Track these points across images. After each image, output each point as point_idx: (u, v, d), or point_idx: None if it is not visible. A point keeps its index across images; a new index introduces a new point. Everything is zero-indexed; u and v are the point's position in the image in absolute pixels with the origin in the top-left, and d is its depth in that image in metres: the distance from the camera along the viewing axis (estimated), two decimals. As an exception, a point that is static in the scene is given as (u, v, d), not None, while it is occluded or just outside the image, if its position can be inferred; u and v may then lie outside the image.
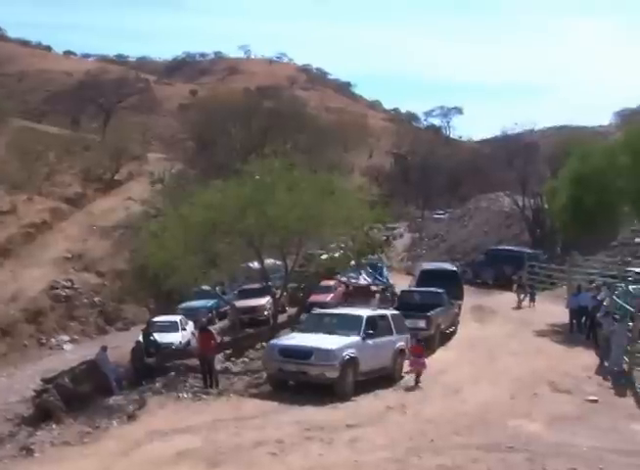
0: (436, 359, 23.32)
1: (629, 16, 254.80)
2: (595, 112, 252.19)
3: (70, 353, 33.81)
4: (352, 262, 29.58)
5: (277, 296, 28.03)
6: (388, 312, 22.51)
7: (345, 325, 20.01)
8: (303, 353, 18.48)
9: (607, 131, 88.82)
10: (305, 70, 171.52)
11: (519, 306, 34.57)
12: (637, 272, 33.62)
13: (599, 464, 12.32)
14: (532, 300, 34.88)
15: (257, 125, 64.53)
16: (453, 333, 27.84)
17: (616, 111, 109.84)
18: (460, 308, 30.25)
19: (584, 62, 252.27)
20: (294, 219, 23.91)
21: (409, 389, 19.82)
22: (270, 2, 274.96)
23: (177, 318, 30.78)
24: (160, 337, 26.75)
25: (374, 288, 35.29)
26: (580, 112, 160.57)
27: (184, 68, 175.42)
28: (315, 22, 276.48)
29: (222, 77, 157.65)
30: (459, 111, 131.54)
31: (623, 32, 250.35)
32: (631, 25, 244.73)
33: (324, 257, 28.64)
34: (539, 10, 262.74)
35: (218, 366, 23.18)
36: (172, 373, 23.06)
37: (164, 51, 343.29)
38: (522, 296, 34.97)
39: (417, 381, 20.20)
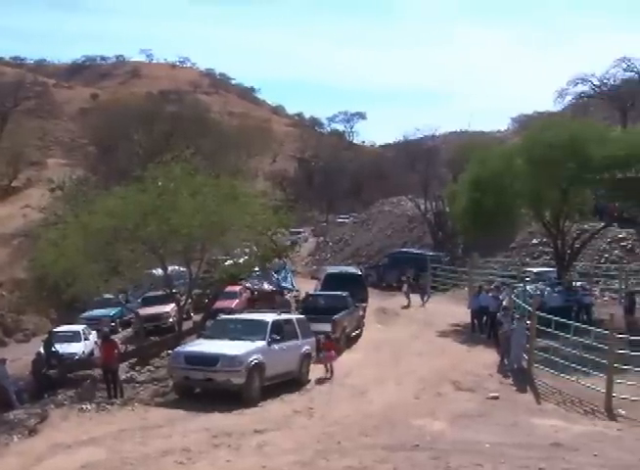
0: (342, 362, 23.48)
1: (525, 27, 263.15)
2: (494, 117, 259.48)
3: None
4: (257, 268, 29.54)
5: (182, 303, 27.70)
6: (294, 317, 22.58)
7: (251, 331, 19.94)
8: (209, 360, 18.34)
9: (505, 136, 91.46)
10: (208, 74, 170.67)
11: (408, 306, 35.18)
12: (535, 273, 34.77)
13: (501, 459, 12.62)
14: (422, 299, 35.82)
15: (160, 130, 63.83)
16: (358, 336, 28.09)
17: (513, 116, 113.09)
18: (365, 311, 30.59)
19: (483, 70, 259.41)
20: (197, 225, 23.70)
21: (321, 381, 20.42)
22: (173, 6, 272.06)
23: (79, 328, 30.05)
24: (62, 347, 26.14)
25: (288, 293, 35.45)
26: (480, 117, 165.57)
27: (84, 71, 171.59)
28: (218, 26, 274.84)
29: (124, 81, 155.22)
30: (362, 116, 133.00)
31: (520, 42, 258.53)
32: (527, 36, 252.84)
33: (228, 262, 28.47)
34: (441, 19, 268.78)
35: (123, 376, 22.74)
36: (79, 384, 22.52)
37: (64, 54, 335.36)
38: (411, 296, 35.63)
39: (330, 374, 21.00)
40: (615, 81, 76.16)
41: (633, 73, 76.55)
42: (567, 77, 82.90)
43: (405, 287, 36.53)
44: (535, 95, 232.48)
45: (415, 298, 35.60)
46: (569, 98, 77.85)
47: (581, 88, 76.63)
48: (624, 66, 75.70)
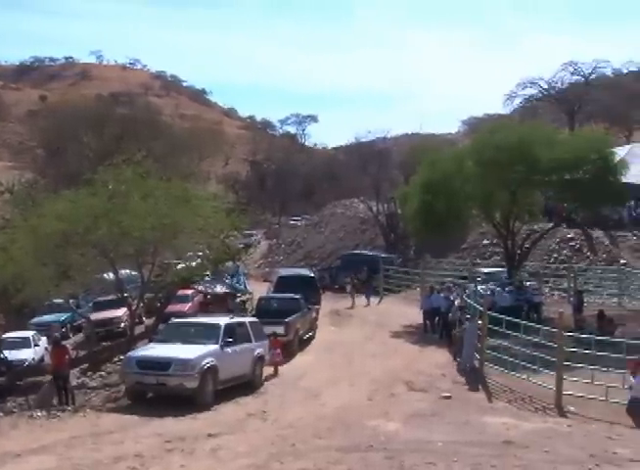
0: (296, 364, 23.53)
1: (476, 30, 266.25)
2: (444, 120, 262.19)
3: None
4: (209, 271, 29.41)
5: (133, 307, 27.44)
6: (247, 320, 22.54)
7: (204, 334, 19.86)
8: (162, 364, 18.20)
9: (455, 138, 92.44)
10: (160, 76, 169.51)
11: (352, 306, 35.76)
12: (485, 273, 35.19)
13: (453, 457, 12.73)
14: (368, 300, 36.41)
15: (110, 133, 63.16)
16: (312, 338, 28.15)
17: (463, 119, 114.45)
18: (318, 313, 30.69)
19: (434, 72, 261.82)
20: (148, 228, 23.51)
21: (270, 377, 20.43)
22: (123, 7, 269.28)
23: (29, 334, 29.54)
24: (11, 354, 25.73)
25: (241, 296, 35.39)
26: (431, 120, 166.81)
27: (33, 72, 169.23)
28: (170, 28, 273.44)
29: (73, 83, 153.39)
30: (314, 118, 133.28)
31: (471, 45, 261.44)
32: (478, 39, 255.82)
33: (180, 266, 28.30)
34: (393, 22, 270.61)
35: (74, 382, 22.48)
36: (30, 391, 22.18)
37: (11, 54, 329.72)
38: (356, 296, 36.37)
39: (275, 371, 21.49)
40: (562, 85, 77.69)
41: (580, 77, 78.15)
42: (516, 80, 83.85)
43: (349, 288, 37.17)
44: (485, 98, 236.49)
45: (361, 299, 36.27)
46: (518, 101, 79.26)
47: (530, 91, 78.11)
48: (571, 69, 77.32)
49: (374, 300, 36.83)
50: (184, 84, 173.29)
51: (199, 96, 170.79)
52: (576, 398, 18.11)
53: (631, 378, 17.19)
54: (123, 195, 24.72)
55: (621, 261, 36.65)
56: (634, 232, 39.22)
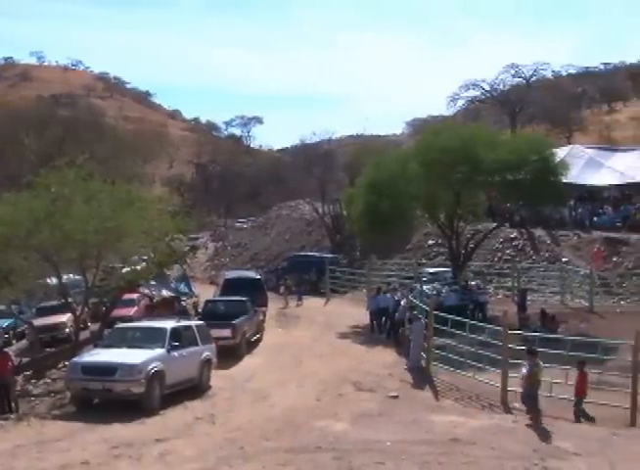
0: (244, 367, 23.47)
1: (420, 32, 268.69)
2: (389, 121, 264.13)
3: None
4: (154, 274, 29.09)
5: (78, 312, 27.00)
6: (193, 323, 22.38)
7: (150, 338, 19.63)
8: (107, 370, 17.94)
9: (400, 140, 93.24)
10: (102, 78, 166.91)
11: (286, 306, 36.46)
12: (431, 273, 35.56)
13: (402, 456, 12.85)
14: (300, 299, 37.39)
15: (52, 135, 62.18)
16: (259, 340, 28.10)
17: (407, 120, 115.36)
18: (265, 315, 30.64)
19: (379, 74, 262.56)
20: (91, 232, 23.10)
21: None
22: (64, 7, 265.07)
23: (-31, 341, 28.88)
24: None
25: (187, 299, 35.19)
26: (376, 121, 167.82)
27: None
28: (112, 29, 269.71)
29: (13, 84, 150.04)
30: (259, 120, 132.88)
31: (415, 47, 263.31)
32: (421, 41, 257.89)
33: (125, 269, 27.95)
34: (338, 24, 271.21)
35: (17, 389, 22.00)
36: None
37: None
38: (288, 296, 37.35)
39: None
40: (504, 87, 79.15)
41: (521, 79, 79.69)
42: (459, 82, 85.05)
43: (282, 289, 37.98)
44: (429, 99, 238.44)
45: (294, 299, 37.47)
46: (461, 102, 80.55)
47: (473, 93, 79.44)
48: (513, 72, 78.84)
49: (320, 300, 37.00)
50: (128, 86, 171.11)
51: (143, 98, 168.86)
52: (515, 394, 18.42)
53: None
54: (66, 198, 24.26)
55: (563, 260, 37.36)
56: (575, 231, 40.02)
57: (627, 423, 16.60)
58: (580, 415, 17.11)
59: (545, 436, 14.82)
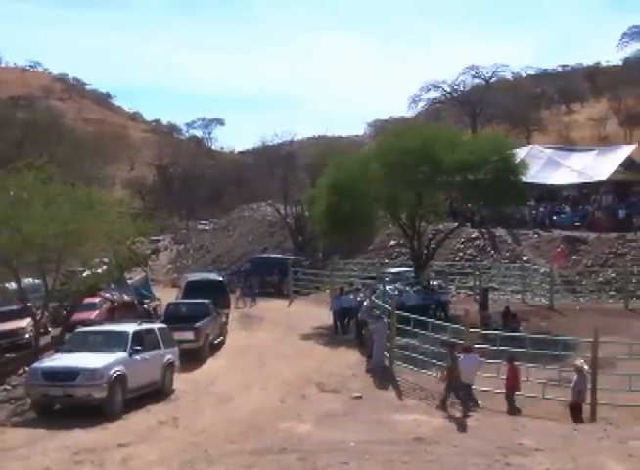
0: (207, 370, 23.36)
1: (381, 33, 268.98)
2: (351, 122, 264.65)
3: None
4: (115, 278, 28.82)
5: (38, 317, 26.65)
6: (155, 326, 22.22)
7: (111, 342, 19.44)
8: (69, 375, 17.72)
9: (361, 141, 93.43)
10: (61, 79, 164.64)
11: (243, 306, 37.35)
12: (393, 273, 35.72)
13: (366, 456, 12.89)
14: (254, 300, 38.34)
15: (10, 137, 61.34)
16: (222, 342, 27.99)
17: (369, 122, 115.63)
18: (228, 318, 30.53)
19: (341, 75, 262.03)
20: (51, 235, 22.82)
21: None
22: (21, 7, 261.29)
23: None
24: None
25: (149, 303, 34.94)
26: (337, 122, 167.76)
27: None
28: (71, 29, 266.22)
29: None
30: (220, 122, 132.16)
31: (376, 48, 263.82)
32: (383, 42, 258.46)
33: (86, 273, 27.66)
34: (299, 25, 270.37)
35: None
36: None
37: None
38: (244, 298, 38.42)
39: None
40: (464, 88, 79.89)
41: (481, 80, 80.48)
42: (420, 83, 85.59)
43: (238, 291, 38.84)
44: (391, 100, 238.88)
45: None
46: (422, 104, 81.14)
47: (433, 94, 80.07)
48: (473, 73, 79.59)
49: (283, 302, 37.06)
50: (87, 87, 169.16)
51: (103, 100, 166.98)
52: (483, 392, 18.60)
53: None
54: (25, 201, 23.95)
55: (524, 259, 37.77)
56: (535, 230, 40.50)
57: (588, 418, 16.92)
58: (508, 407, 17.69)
59: (508, 433, 14.96)
